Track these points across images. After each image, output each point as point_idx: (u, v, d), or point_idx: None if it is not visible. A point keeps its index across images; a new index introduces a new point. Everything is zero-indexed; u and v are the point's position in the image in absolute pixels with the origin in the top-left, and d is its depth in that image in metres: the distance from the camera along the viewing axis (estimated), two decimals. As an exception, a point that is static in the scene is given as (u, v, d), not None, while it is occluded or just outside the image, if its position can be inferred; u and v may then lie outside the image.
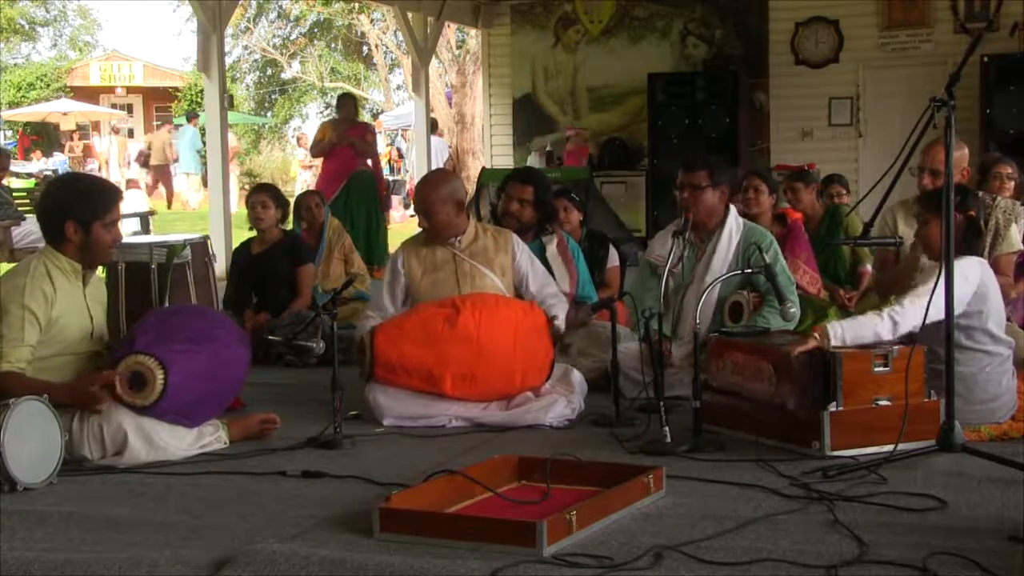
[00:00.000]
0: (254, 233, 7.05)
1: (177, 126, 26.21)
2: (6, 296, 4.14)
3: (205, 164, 22.15)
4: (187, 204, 22.17)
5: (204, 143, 22.63)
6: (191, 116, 23.95)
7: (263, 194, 7.02)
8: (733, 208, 5.32)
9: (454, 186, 5.17)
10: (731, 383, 4.41)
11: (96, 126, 31.79)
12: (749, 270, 4.85)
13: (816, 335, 4.14)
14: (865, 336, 4.13)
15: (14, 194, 12.43)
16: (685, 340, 5.08)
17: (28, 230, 10.20)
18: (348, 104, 11.51)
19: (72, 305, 4.27)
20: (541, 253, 5.68)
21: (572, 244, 5.98)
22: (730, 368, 4.43)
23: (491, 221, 6.39)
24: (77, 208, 4.28)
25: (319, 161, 12.44)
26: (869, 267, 6.95)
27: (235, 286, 7.04)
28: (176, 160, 23.54)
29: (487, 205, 11.20)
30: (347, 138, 10.94)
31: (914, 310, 4.07)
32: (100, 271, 4.59)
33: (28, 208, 12.22)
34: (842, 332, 4.12)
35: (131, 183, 19.28)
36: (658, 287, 4.91)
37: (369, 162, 11.33)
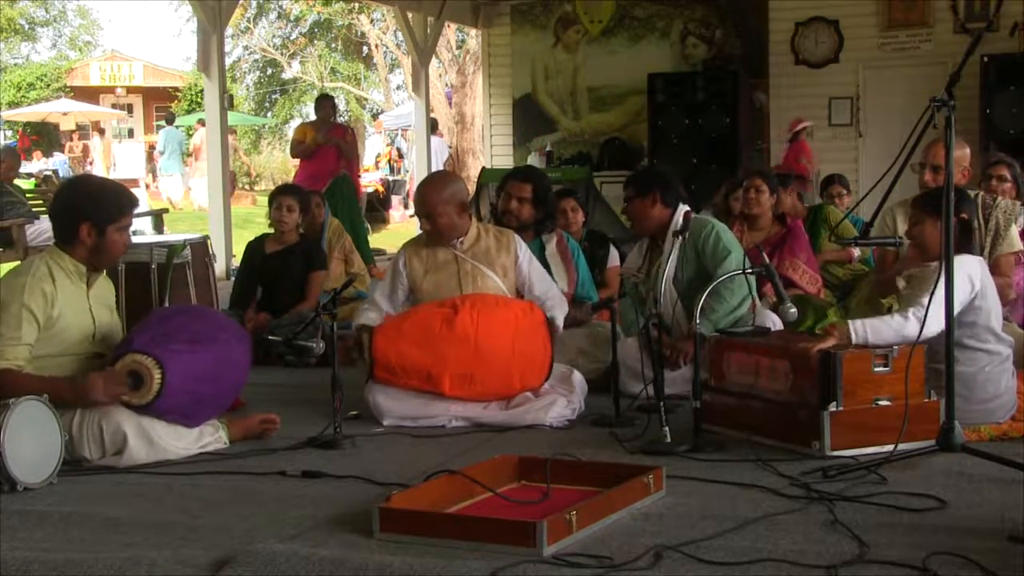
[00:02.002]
0: (267, 230, 7.03)
1: (159, 127, 26.41)
2: (6, 295, 4.15)
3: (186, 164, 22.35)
4: (182, 205, 22.17)
5: (187, 143, 22.85)
6: (169, 119, 24.07)
7: (289, 197, 6.99)
8: (682, 208, 5.35)
9: (456, 188, 5.16)
10: (737, 383, 4.41)
11: (96, 126, 31.82)
12: (750, 271, 4.85)
13: (836, 333, 4.13)
14: (888, 336, 4.11)
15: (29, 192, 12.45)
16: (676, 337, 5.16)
17: (43, 228, 10.21)
18: (327, 105, 11.43)
19: (74, 306, 4.27)
20: (541, 252, 5.69)
21: (572, 244, 5.99)
22: (735, 368, 4.43)
23: (491, 221, 6.39)
24: (94, 211, 4.28)
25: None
26: (857, 251, 7.03)
27: (242, 283, 7.02)
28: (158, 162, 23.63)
29: (487, 205, 11.20)
30: (333, 139, 10.89)
31: (936, 310, 4.02)
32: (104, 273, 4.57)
33: (41, 207, 12.26)
34: (864, 331, 4.11)
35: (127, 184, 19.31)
36: (636, 299, 5.24)
37: (346, 163, 11.29)
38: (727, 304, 5.04)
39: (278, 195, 7.10)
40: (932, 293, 4.03)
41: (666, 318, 5.18)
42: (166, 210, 14.91)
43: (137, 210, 4.82)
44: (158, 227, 12.48)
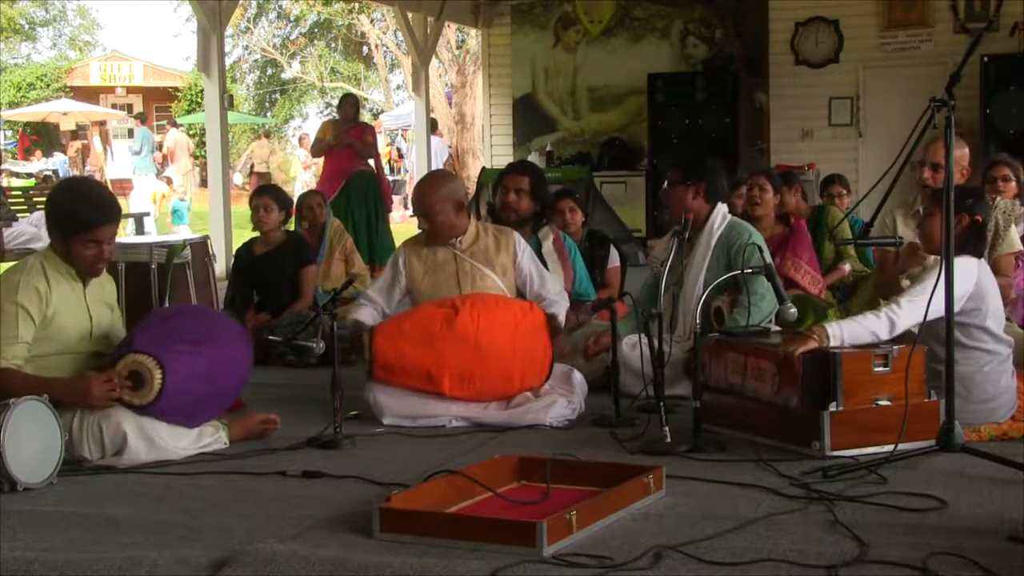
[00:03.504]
0: (256, 233, 7.04)
1: (177, 125, 26.43)
2: (0, 294, 4.15)
3: (160, 164, 22.46)
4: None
5: (158, 144, 22.97)
6: (142, 119, 24.18)
7: (266, 197, 6.99)
8: (721, 207, 5.32)
9: (453, 186, 5.17)
10: (731, 383, 4.41)
11: (97, 126, 31.82)
12: (750, 270, 4.85)
13: (815, 336, 4.14)
14: (863, 336, 4.14)
15: (12, 193, 12.46)
16: (682, 338, 5.11)
17: (20, 230, 10.21)
18: (348, 104, 11.45)
19: (70, 304, 4.27)
20: (537, 249, 5.68)
21: (569, 242, 6.00)
22: (730, 368, 4.43)
23: (488, 219, 6.39)
24: (60, 220, 4.26)
25: (320, 160, 12.42)
26: (848, 267, 7.00)
27: (237, 286, 7.03)
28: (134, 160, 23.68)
29: (486, 204, 11.20)
30: (345, 139, 10.90)
31: (911, 309, 4.08)
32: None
33: (23, 208, 12.26)
34: (841, 332, 4.13)
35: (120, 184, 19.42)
36: (654, 289, 4.97)
37: (371, 162, 11.31)
38: (748, 320, 4.98)
39: (254, 197, 7.11)
40: (918, 292, 4.06)
41: (685, 315, 5.11)
42: (147, 213, 14.90)
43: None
44: (139, 229, 12.49)
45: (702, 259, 5.22)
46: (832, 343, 4.10)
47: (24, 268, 4.24)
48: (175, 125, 25.16)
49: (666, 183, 5.38)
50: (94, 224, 4.21)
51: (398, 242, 10.16)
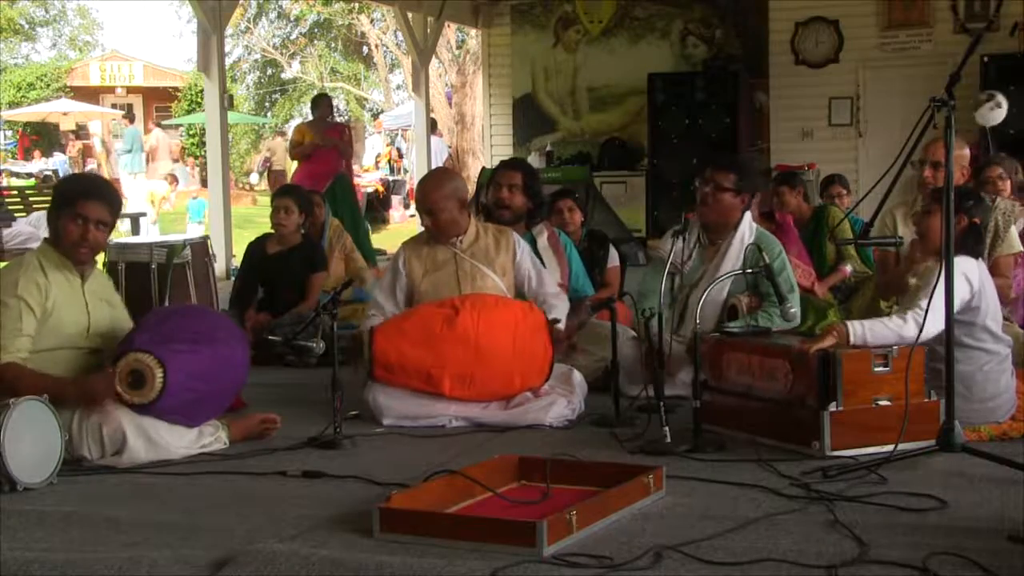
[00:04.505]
0: (268, 229, 7.03)
1: (161, 126, 26.59)
2: (1, 290, 4.16)
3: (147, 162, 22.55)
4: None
5: (143, 143, 23.07)
6: (131, 118, 24.28)
7: (287, 199, 6.98)
8: (748, 214, 5.28)
9: (456, 184, 5.18)
10: (736, 383, 4.40)
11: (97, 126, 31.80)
12: (751, 271, 4.85)
13: (835, 333, 4.13)
14: (887, 337, 4.10)
15: (9, 194, 12.46)
16: (685, 339, 5.10)
17: (17, 231, 10.21)
18: (324, 104, 11.36)
19: (68, 299, 4.28)
20: (532, 245, 5.68)
21: (564, 238, 6.00)
22: (735, 368, 4.42)
23: (481, 219, 6.39)
24: (54, 198, 4.45)
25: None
26: (849, 268, 7.01)
27: (244, 282, 7.01)
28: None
29: (479, 204, 11.18)
30: (331, 140, 10.85)
31: (935, 312, 4.02)
32: (101, 267, 4.58)
33: (19, 209, 12.26)
34: (863, 332, 4.11)
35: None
36: (660, 287, 4.94)
37: (344, 162, 11.27)
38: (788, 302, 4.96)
39: (276, 197, 7.11)
40: (931, 294, 4.04)
41: (695, 314, 5.09)
42: (143, 214, 14.88)
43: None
44: (135, 229, 12.46)
45: (732, 264, 5.11)
46: (853, 342, 4.09)
47: (21, 264, 4.27)
48: (159, 125, 25.27)
49: (711, 184, 5.16)
50: (80, 196, 4.30)
51: (392, 241, 10.20)
